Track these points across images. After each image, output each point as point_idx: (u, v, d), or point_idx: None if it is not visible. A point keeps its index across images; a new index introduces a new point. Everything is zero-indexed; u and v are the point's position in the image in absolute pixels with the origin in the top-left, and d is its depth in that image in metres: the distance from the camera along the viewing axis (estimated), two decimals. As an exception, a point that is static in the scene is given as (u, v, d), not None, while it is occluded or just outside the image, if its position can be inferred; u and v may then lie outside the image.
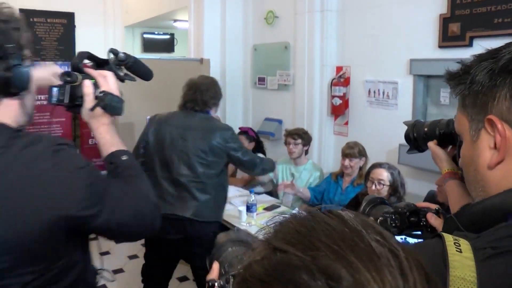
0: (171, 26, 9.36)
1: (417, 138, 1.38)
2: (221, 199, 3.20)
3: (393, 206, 1.36)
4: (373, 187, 3.29)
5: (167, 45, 10.05)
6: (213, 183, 3.07)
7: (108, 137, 1.38)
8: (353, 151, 3.88)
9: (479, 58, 0.83)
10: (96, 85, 1.39)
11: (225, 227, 3.68)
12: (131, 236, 1.36)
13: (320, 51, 4.87)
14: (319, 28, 4.84)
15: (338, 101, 4.66)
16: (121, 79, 1.48)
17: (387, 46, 4.26)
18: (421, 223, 1.30)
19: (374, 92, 4.40)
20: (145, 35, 9.84)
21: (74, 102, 1.38)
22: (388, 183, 3.25)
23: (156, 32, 9.96)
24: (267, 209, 3.92)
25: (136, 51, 9.72)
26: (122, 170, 1.33)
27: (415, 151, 1.42)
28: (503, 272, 0.66)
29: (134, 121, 5.36)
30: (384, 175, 3.29)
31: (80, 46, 9.32)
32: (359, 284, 0.45)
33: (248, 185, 4.62)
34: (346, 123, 4.75)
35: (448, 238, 0.70)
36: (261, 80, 5.88)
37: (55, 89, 1.39)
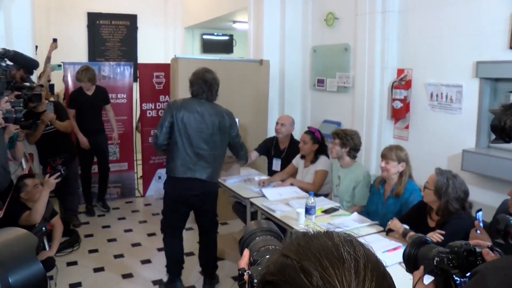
0: (230, 27, 9.47)
1: (506, 127, 1.34)
2: (221, 166, 4.17)
3: (448, 246, 1.39)
4: (422, 189, 3.22)
5: (226, 46, 10.18)
6: (221, 155, 4.03)
7: None
8: (390, 153, 3.65)
9: None
10: None
11: (281, 228, 3.68)
12: None
13: (380, 53, 4.81)
14: (380, 30, 4.79)
15: (398, 104, 4.58)
16: (3, 68, 1.88)
17: (451, 47, 4.15)
18: (478, 262, 1.33)
19: (437, 95, 4.29)
20: (204, 36, 10.01)
21: None
22: (432, 188, 3.07)
23: (215, 33, 10.12)
24: (326, 212, 3.84)
25: (195, 51, 9.90)
26: None
27: (501, 141, 1.42)
28: None
29: None
30: (431, 178, 3.13)
31: (142, 46, 9.63)
32: (324, 277, 0.70)
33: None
34: (407, 127, 4.66)
35: None
36: (320, 82, 5.87)
37: None
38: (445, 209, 3.00)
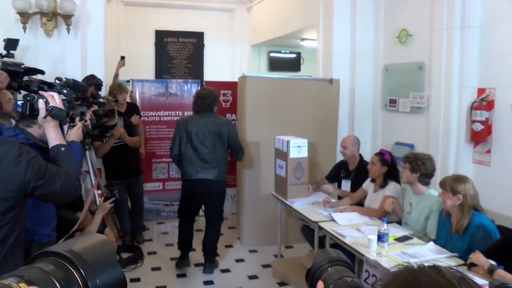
0: (297, 45, 9.49)
1: None
2: (226, 167, 4.98)
3: None
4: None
5: (294, 64, 10.22)
6: (223, 157, 4.88)
7: (54, 134, 2.21)
8: (444, 183, 3.44)
9: None
10: (47, 102, 2.16)
11: (350, 254, 3.60)
12: (59, 199, 2.26)
13: (459, 72, 4.64)
14: (458, 46, 4.63)
15: (479, 127, 4.38)
16: (64, 95, 2.33)
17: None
18: None
19: (525, 117, 4.06)
20: (271, 54, 10.09)
21: (33, 113, 2.18)
22: None
23: (283, 51, 10.18)
24: (399, 240, 3.68)
25: (262, 69, 9.96)
26: (60, 156, 2.19)
27: None
28: None
29: (261, 139, 5.51)
30: None
31: (208, 64, 9.79)
32: None
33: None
34: (488, 151, 4.44)
35: None
36: (392, 102, 5.74)
37: (19, 103, 2.19)
38: None
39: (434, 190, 4.03)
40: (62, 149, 2.20)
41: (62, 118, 2.24)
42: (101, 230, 4.04)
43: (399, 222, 4.29)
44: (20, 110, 2.19)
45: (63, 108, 2.23)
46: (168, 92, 6.81)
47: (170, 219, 6.71)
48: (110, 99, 5.27)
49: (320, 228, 4.13)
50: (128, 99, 6.41)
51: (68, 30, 5.18)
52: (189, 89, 6.87)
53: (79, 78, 4.98)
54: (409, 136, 5.48)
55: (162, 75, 9.49)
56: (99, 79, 4.92)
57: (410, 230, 3.94)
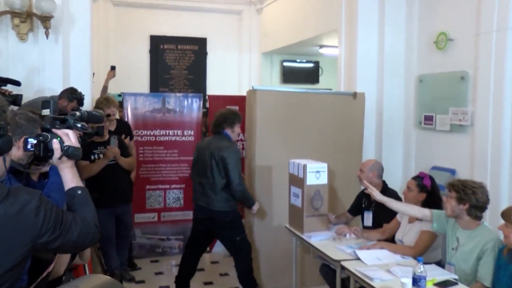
0: (316, 52, 9.46)
1: None
2: (228, 196, 4.95)
3: None
4: None
5: (311, 75, 10.21)
6: (218, 184, 4.91)
7: (70, 175, 2.30)
8: (507, 213, 3.30)
9: None
10: (61, 141, 2.25)
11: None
12: (76, 248, 2.44)
13: (512, 81, 4.51)
14: (512, 51, 4.51)
15: (540, 149, 4.25)
16: (78, 130, 2.45)
17: None
18: None
19: None
20: (285, 63, 10.09)
21: (47, 154, 2.25)
22: None
23: (298, 60, 10.18)
24: (440, 285, 3.50)
25: (274, 81, 9.91)
26: (77, 200, 2.26)
27: None
28: None
29: (273, 163, 5.46)
30: None
31: (212, 75, 9.74)
32: None
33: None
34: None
35: None
36: (428, 119, 5.64)
37: (31, 141, 2.24)
38: None
39: (488, 225, 3.84)
40: (79, 192, 2.28)
41: (79, 157, 2.33)
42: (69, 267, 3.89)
43: (439, 263, 4.14)
44: (32, 150, 2.26)
45: (79, 146, 2.34)
46: (165, 108, 6.72)
47: (167, 256, 6.57)
48: (103, 114, 5.16)
49: (343, 268, 3.99)
50: (117, 116, 6.32)
51: (47, 34, 5.09)
52: (190, 105, 6.77)
53: (59, 90, 4.90)
54: (448, 160, 5.34)
55: (158, 88, 9.48)
56: (80, 93, 4.83)
57: (455, 272, 3.75)
